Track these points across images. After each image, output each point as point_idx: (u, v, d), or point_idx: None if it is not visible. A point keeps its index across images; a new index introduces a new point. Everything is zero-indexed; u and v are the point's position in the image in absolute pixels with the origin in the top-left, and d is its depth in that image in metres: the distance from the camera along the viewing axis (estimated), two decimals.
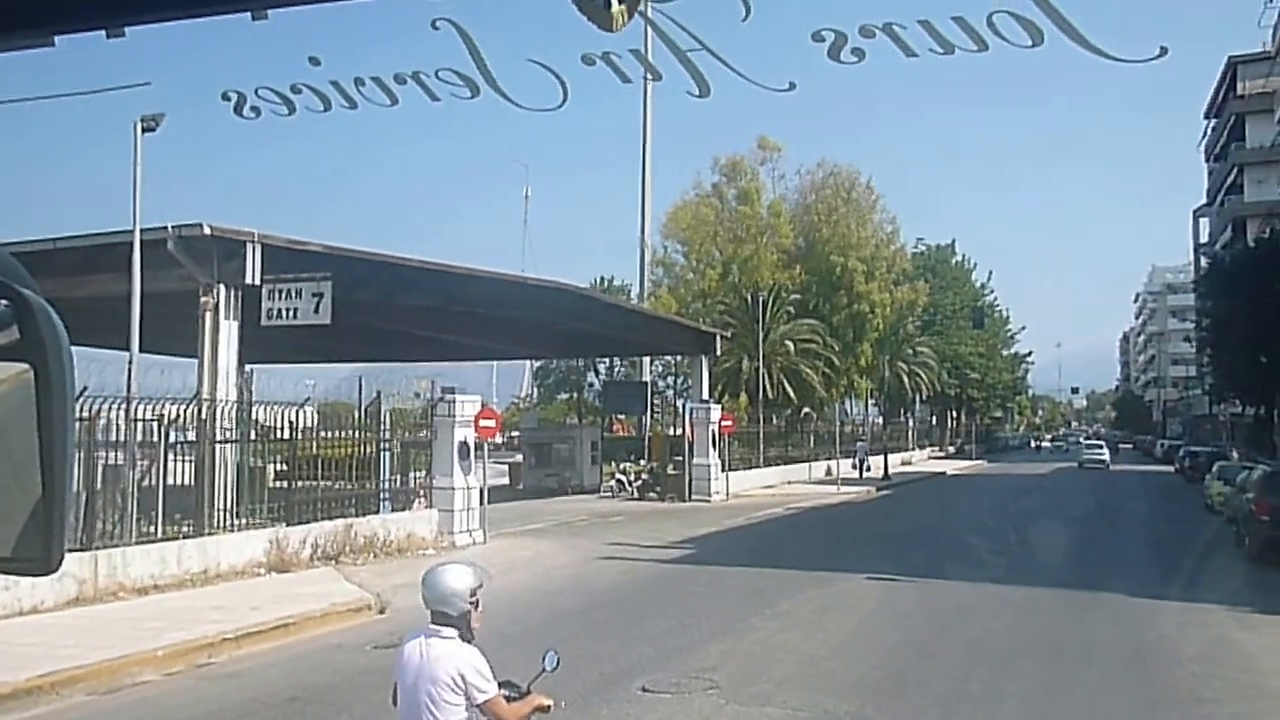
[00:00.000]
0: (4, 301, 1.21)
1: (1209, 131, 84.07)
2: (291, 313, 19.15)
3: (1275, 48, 59.19)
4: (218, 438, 18.38)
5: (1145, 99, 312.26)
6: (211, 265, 19.07)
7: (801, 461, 49.01)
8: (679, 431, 40.41)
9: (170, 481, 17.80)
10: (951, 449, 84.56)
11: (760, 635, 13.57)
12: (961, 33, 11.65)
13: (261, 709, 10.29)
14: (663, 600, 16.65)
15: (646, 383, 50.91)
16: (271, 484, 20.59)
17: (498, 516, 25.17)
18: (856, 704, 10.28)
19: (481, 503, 23.47)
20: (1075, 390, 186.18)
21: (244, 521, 18.52)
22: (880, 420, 68.40)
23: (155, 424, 17.57)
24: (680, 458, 38.12)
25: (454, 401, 23.22)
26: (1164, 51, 11.89)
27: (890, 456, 52.85)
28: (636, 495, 37.64)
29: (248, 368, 23.83)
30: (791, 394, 50.91)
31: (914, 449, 74.42)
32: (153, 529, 16.90)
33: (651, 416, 50.60)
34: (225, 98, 16.71)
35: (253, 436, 20.11)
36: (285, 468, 20.82)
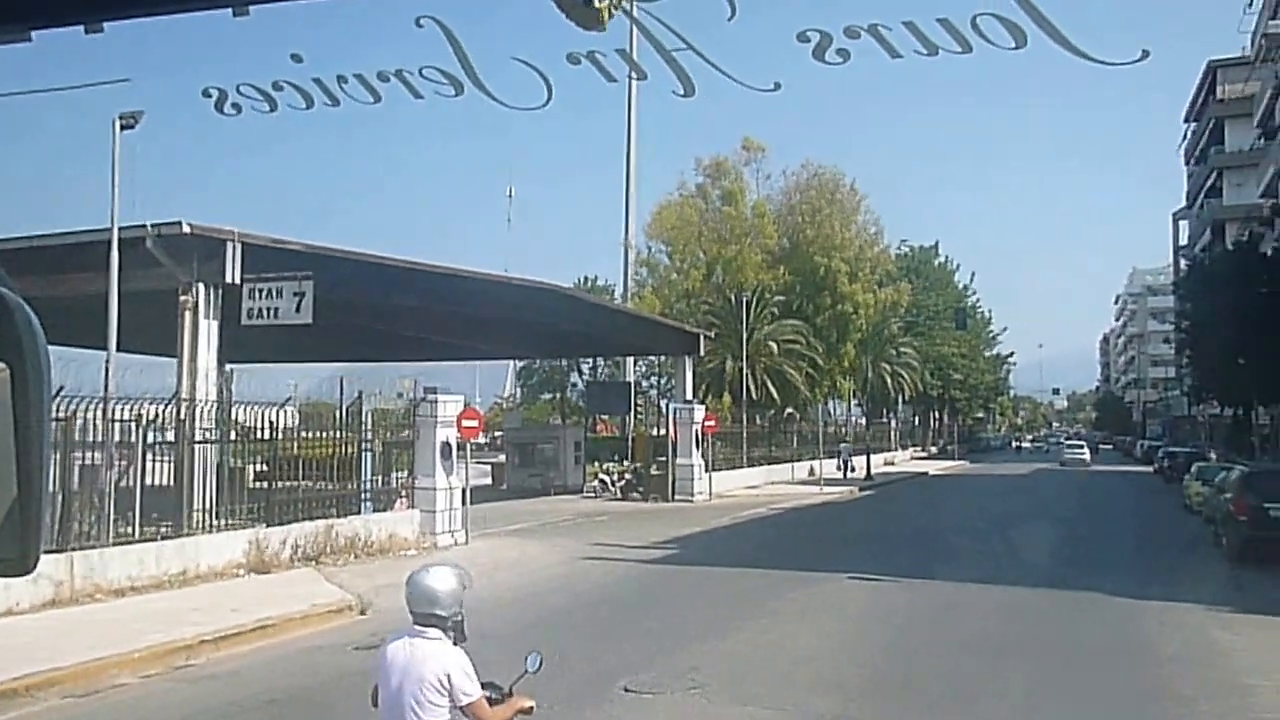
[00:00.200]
0: None
1: (1189, 135, 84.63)
2: (272, 312, 19.04)
3: (1254, 53, 59.53)
4: (197, 438, 18.24)
5: (1127, 102, 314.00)
6: (191, 264, 18.94)
7: (785, 462, 49.08)
8: (663, 432, 40.40)
9: (149, 482, 17.67)
10: (934, 449, 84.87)
11: (745, 635, 13.55)
12: (946, 34, 11.66)
13: (240, 711, 10.21)
14: (647, 600, 16.63)
15: (630, 383, 50.89)
16: (252, 484, 20.46)
17: (480, 517, 25.09)
18: (841, 704, 10.26)
19: (464, 503, 23.39)
20: (1056, 391, 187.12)
21: (223, 522, 18.37)
22: (863, 421, 68.59)
23: (133, 424, 17.44)
24: (664, 458, 38.12)
25: (436, 401, 23.13)
26: (1145, 54, 11.95)
27: (873, 457, 53.00)
28: (620, 495, 37.63)
29: (228, 367, 23.67)
30: (775, 394, 50.96)
31: (897, 449, 74.67)
32: (130, 530, 16.75)
33: (635, 417, 50.57)
34: (206, 94, 16.52)
35: (233, 437, 19.99)
36: (266, 468, 20.69)
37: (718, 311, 50.63)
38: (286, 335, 23.56)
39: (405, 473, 23.50)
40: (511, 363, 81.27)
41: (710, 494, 37.66)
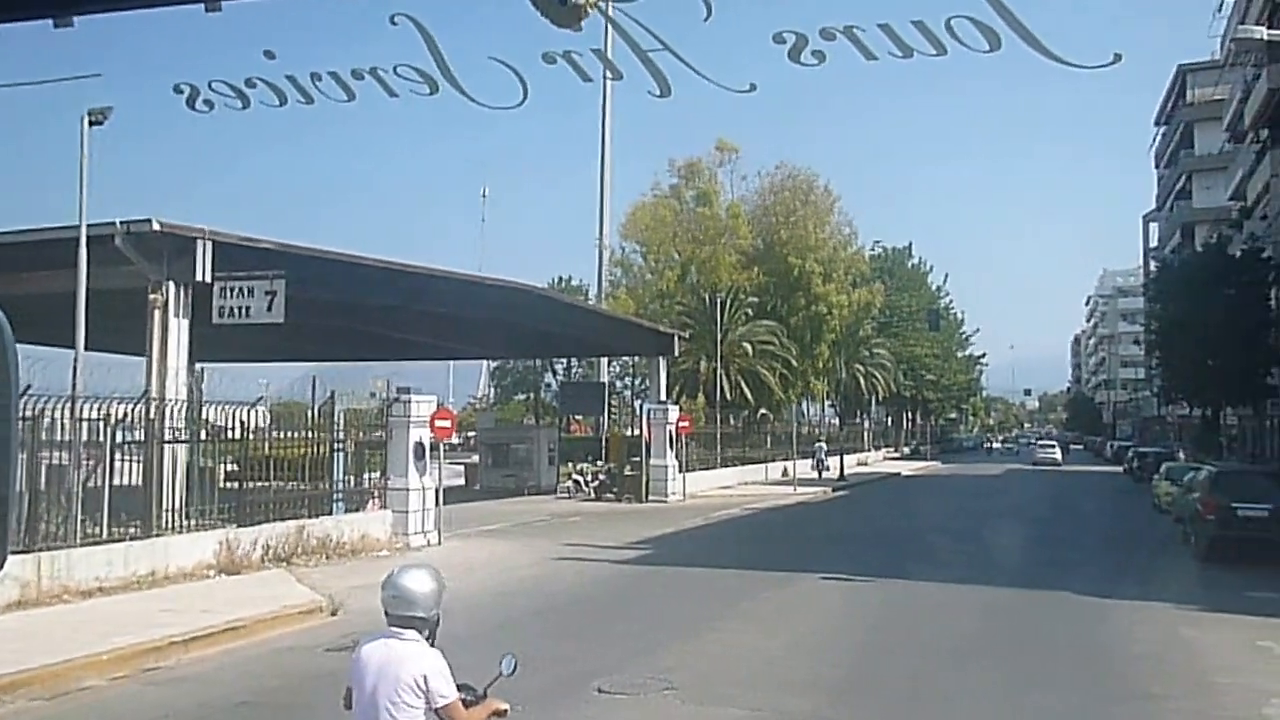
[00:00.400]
0: None
1: (1159, 138, 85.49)
2: (244, 311, 18.90)
3: (1223, 57, 60.14)
4: (166, 437, 18.09)
5: (1099, 106, 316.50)
6: (161, 262, 18.77)
7: (758, 462, 49.17)
8: (636, 432, 40.37)
9: (117, 482, 17.51)
10: (907, 450, 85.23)
11: (719, 636, 13.55)
12: (921, 37, 11.67)
13: (210, 714, 10.13)
14: (620, 601, 16.61)
15: (604, 383, 50.86)
16: (222, 485, 20.31)
17: (454, 517, 24.99)
18: (814, 703, 10.28)
19: (437, 503, 23.29)
20: (1028, 392, 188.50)
21: (193, 523, 18.23)
22: (837, 421, 68.86)
23: (102, 423, 17.26)
24: (638, 458, 38.08)
25: (409, 401, 23.02)
26: (1118, 58, 11.99)
27: (846, 457, 53.17)
28: (594, 496, 37.58)
29: (198, 366, 23.48)
30: (749, 395, 51.10)
31: (870, 450, 74.94)
32: (99, 530, 16.59)
33: (609, 417, 50.55)
34: (178, 90, 16.38)
35: (203, 436, 19.83)
36: (236, 468, 20.54)
37: (692, 312, 50.69)
38: (258, 334, 23.41)
39: (378, 473, 23.39)
40: (485, 363, 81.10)
41: (684, 494, 37.68)
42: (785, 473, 46.98)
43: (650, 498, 36.51)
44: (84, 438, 16.88)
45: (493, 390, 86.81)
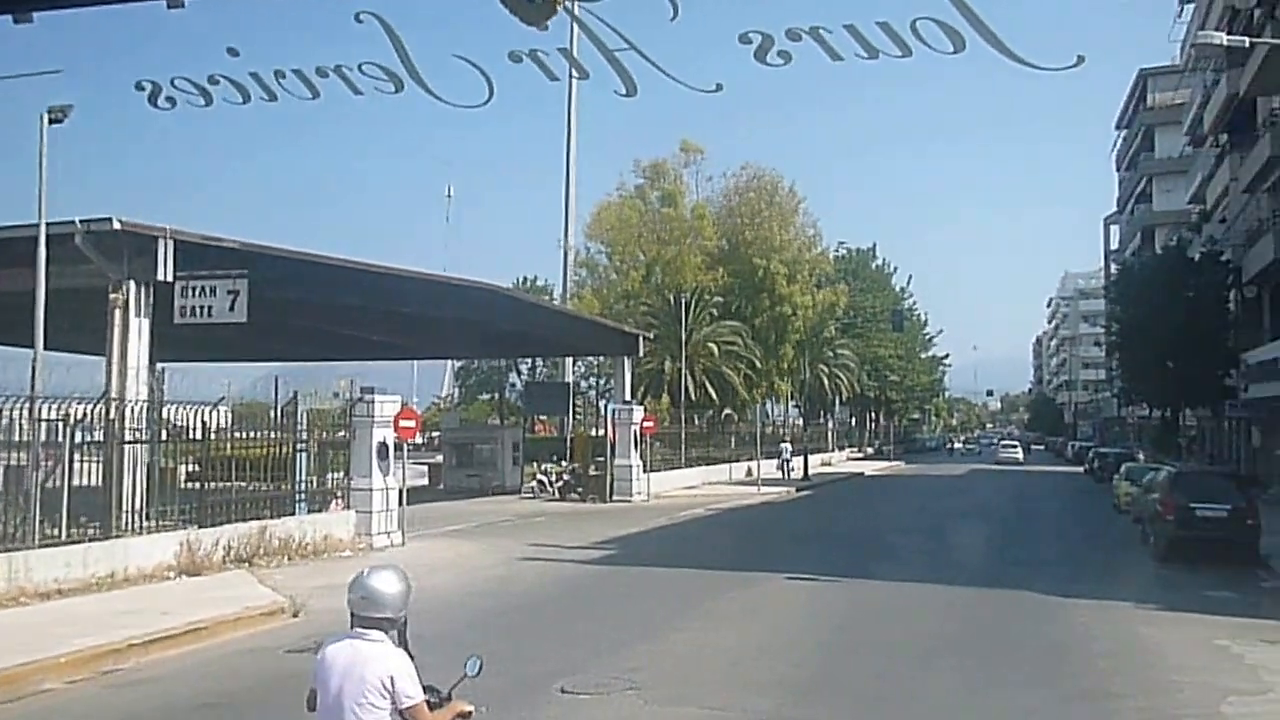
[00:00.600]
0: None
1: (1120, 142, 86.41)
2: (206, 310, 18.71)
3: (1184, 62, 60.94)
4: (126, 438, 17.89)
5: (1061, 108, 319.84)
6: (122, 261, 18.54)
7: (723, 462, 49.29)
8: (601, 432, 40.37)
9: (77, 483, 17.29)
10: (871, 450, 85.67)
11: (683, 636, 13.56)
12: (886, 38, 11.74)
13: (171, 716, 10.02)
14: (584, 601, 16.59)
15: (569, 383, 50.85)
16: (184, 485, 20.12)
17: (418, 517, 24.88)
18: (779, 703, 10.31)
19: (401, 504, 23.19)
20: (990, 393, 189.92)
21: (154, 523, 18.03)
22: (801, 421, 69.08)
23: (61, 424, 17.03)
24: (602, 458, 38.08)
25: (373, 401, 22.90)
26: (1081, 60, 12.12)
27: (810, 458, 53.39)
28: (558, 496, 37.56)
29: (159, 366, 23.27)
30: (714, 395, 51.20)
31: (834, 450, 75.26)
32: (57, 531, 16.36)
33: (574, 417, 50.52)
34: (139, 87, 16.20)
35: (164, 437, 19.61)
36: (198, 469, 20.35)
37: (657, 312, 50.73)
38: (220, 334, 23.20)
39: (341, 473, 23.23)
40: (449, 363, 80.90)
41: (648, 494, 37.71)
42: (749, 473, 47.12)
43: (615, 498, 36.52)
44: (43, 438, 16.66)
45: (457, 390, 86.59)
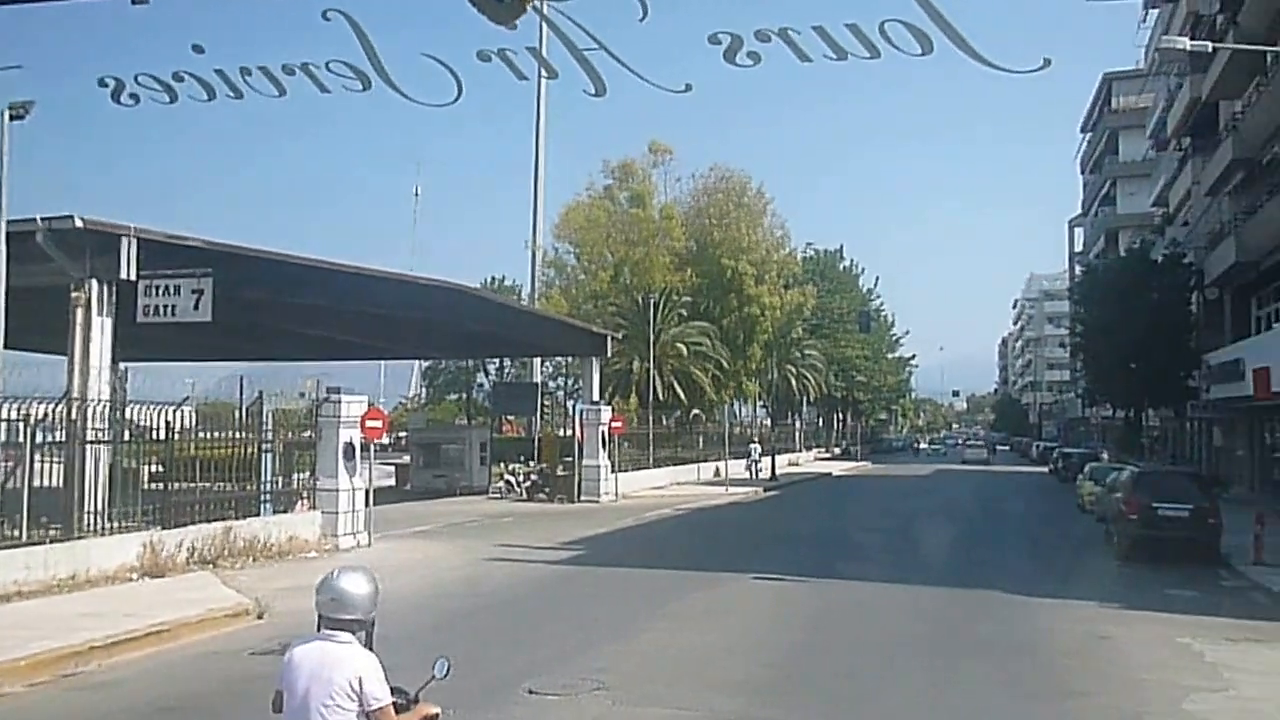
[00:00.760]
0: None
1: (1085, 145, 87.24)
2: (170, 309, 18.52)
3: (1148, 66, 61.57)
4: (89, 438, 17.68)
5: (1028, 111, 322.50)
6: (84, 259, 18.32)
7: (691, 462, 49.36)
8: (569, 432, 40.31)
9: (38, 484, 17.06)
10: (838, 450, 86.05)
11: (650, 636, 13.55)
12: (854, 40, 11.82)
13: None
14: (552, 602, 16.55)
15: (537, 384, 50.77)
16: (147, 486, 19.91)
17: (384, 518, 24.75)
18: (746, 702, 10.32)
19: (367, 504, 23.07)
20: (956, 393, 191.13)
21: (116, 525, 17.83)
22: (768, 422, 69.31)
23: (21, 424, 16.83)
24: (570, 459, 38.04)
25: (339, 401, 22.77)
26: (1047, 63, 12.23)
27: (778, 458, 53.55)
28: (526, 496, 37.49)
29: (122, 366, 22.99)
30: (682, 395, 51.23)
31: (801, 450, 75.53)
32: (17, 533, 16.16)
33: (542, 417, 50.42)
34: (102, 84, 16.03)
35: (126, 437, 19.40)
36: (161, 469, 20.15)
37: (625, 313, 50.72)
38: (184, 333, 22.99)
39: (307, 474, 23.08)
40: (417, 363, 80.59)
41: (616, 495, 37.70)
42: (717, 473, 47.20)
43: (582, 498, 36.49)
44: (3, 438, 16.48)
45: (424, 390, 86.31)
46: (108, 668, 11.66)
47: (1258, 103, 34.05)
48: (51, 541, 16.45)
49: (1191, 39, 29.26)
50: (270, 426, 22.55)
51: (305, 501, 22.50)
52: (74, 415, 17.56)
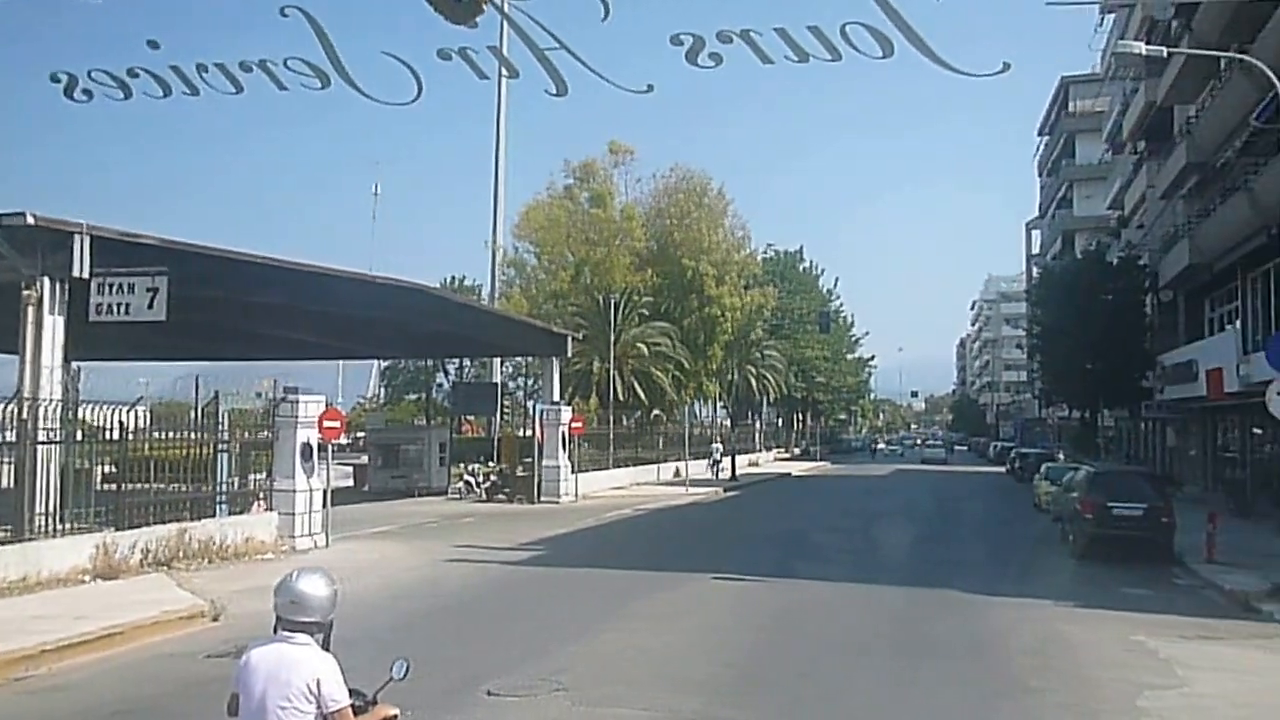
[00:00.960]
0: None
1: (1042, 148, 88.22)
2: (123, 308, 18.25)
3: (1104, 70, 62.32)
4: (40, 438, 17.39)
5: (986, 114, 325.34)
6: (36, 257, 18.00)
7: (651, 463, 49.38)
8: (529, 433, 40.22)
9: None
10: (797, 450, 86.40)
11: (611, 637, 13.52)
12: (816, 42, 11.90)
13: None
14: (512, 603, 16.50)
15: (497, 384, 50.57)
16: (100, 487, 19.64)
17: (342, 519, 24.56)
18: (706, 702, 10.32)
19: (325, 505, 22.89)
20: (915, 394, 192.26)
21: (68, 526, 17.57)
22: (728, 422, 69.50)
23: None
24: (530, 459, 37.95)
25: (297, 402, 22.57)
26: (1006, 67, 12.40)
27: (738, 458, 53.68)
28: (485, 497, 37.35)
29: (75, 365, 22.65)
30: (642, 396, 51.21)
31: (761, 450, 75.77)
32: None
33: (501, 418, 50.26)
34: (54, 79, 15.81)
35: (79, 437, 19.12)
36: (115, 470, 19.89)
37: (585, 313, 50.65)
38: (139, 332, 22.68)
39: (263, 475, 22.87)
40: (376, 362, 80.00)
41: (576, 495, 37.65)
42: (678, 473, 47.25)
43: (542, 499, 36.40)
44: None
45: (383, 390, 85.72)
46: (59, 671, 11.48)
47: (1211, 108, 34.54)
48: (2, 543, 16.20)
49: (1147, 44, 29.64)
50: (226, 427, 22.35)
51: (262, 502, 22.30)
52: (25, 415, 17.27)
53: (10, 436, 17.44)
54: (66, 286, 18.30)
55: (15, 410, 17.37)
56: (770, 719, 10.18)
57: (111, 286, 18.27)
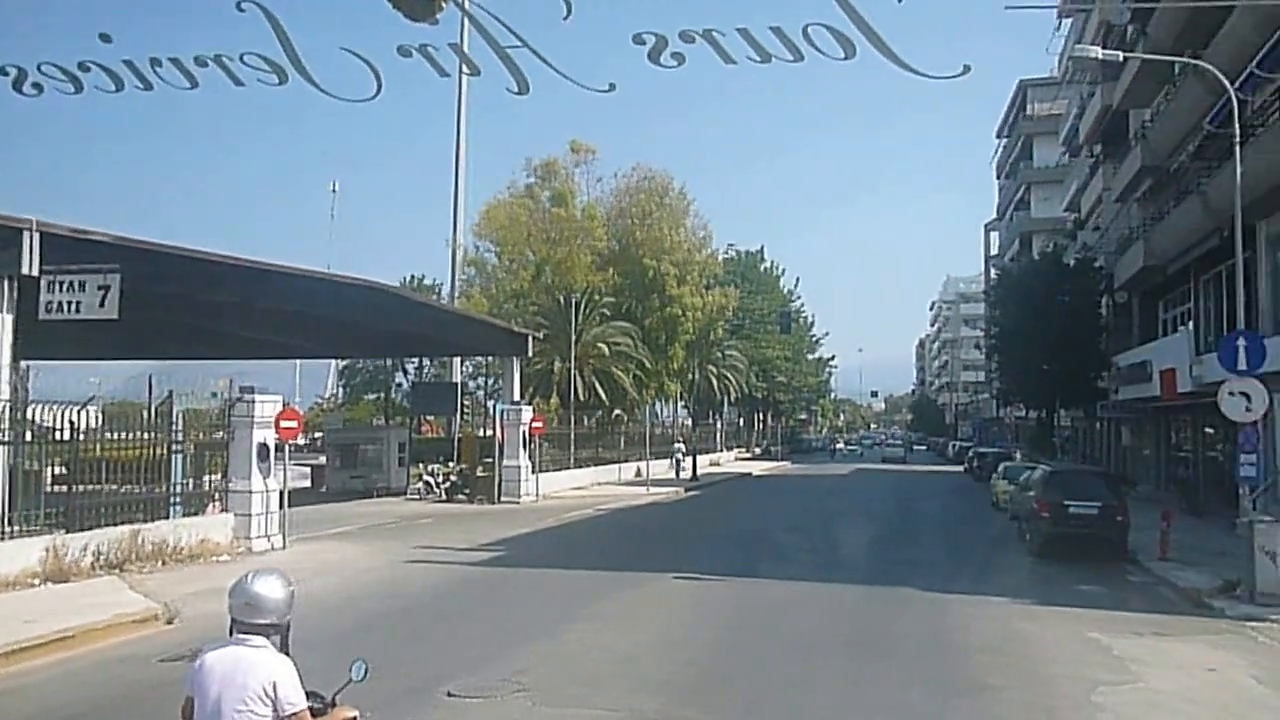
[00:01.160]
0: None
1: (1000, 150, 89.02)
2: (74, 306, 17.92)
3: (1061, 74, 62.96)
4: None
5: (947, 117, 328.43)
6: None
7: (612, 463, 49.34)
8: (489, 433, 40.03)
9: None
10: (758, 450, 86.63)
11: (571, 637, 13.47)
12: (779, 43, 11.90)
13: None
14: (472, 603, 16.39)
15: (457, 384, 50.29)
16: (50, 488, 19.33)
17: (300, 520, 24.34)
18: (667, 702, 10.29)
19: (282, 506, 22.65)
20: (875, 394, 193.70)
21: (17, 528, 17.27)
22: (690, 422, 69.60)
23: None
24: (490, 459, 37.79)
25: (253, 401, 22.34)
26: (967, 69, 12.44)
27: (699, 458, 53.76)
28: (445, 497, 37.16)
29: (24, 364, 22.26)
30: (603, 396, 51.15)
31: (722, 450, 75.92)
32: None
33: (461, 418, 50.02)
34: (3, 73, 15.48)
35: (28, 438, 18.80)
36: (66, 471, 19.57)
37: (546, 312, 50.50)
38: (91, 331, 22.34)
39: (219, 475, 22.60)
40: (334, 362, 79.45)
41: (537, 495, 37.54)
42: (639, 473, 47.24)
43: (503, 499, 36.27)
44: None
45: (341, 390, 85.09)
46: (9, 675, 11.28)
47: (1165, 112, 34.96)
48: None
49: (1103, 48, 29.94)
50: (181, 427, 22.06)
51: (217, 504, 22.05)
52: None
53: None
54: (15, 284, 17.97)
55: None
56: (731, 717, 10.18)
57: (62, 284, 17.93)
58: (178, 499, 21.32)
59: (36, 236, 17.59)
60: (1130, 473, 42.21)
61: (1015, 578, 19.45)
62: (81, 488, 19.18)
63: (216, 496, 22.20)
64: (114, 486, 20.26)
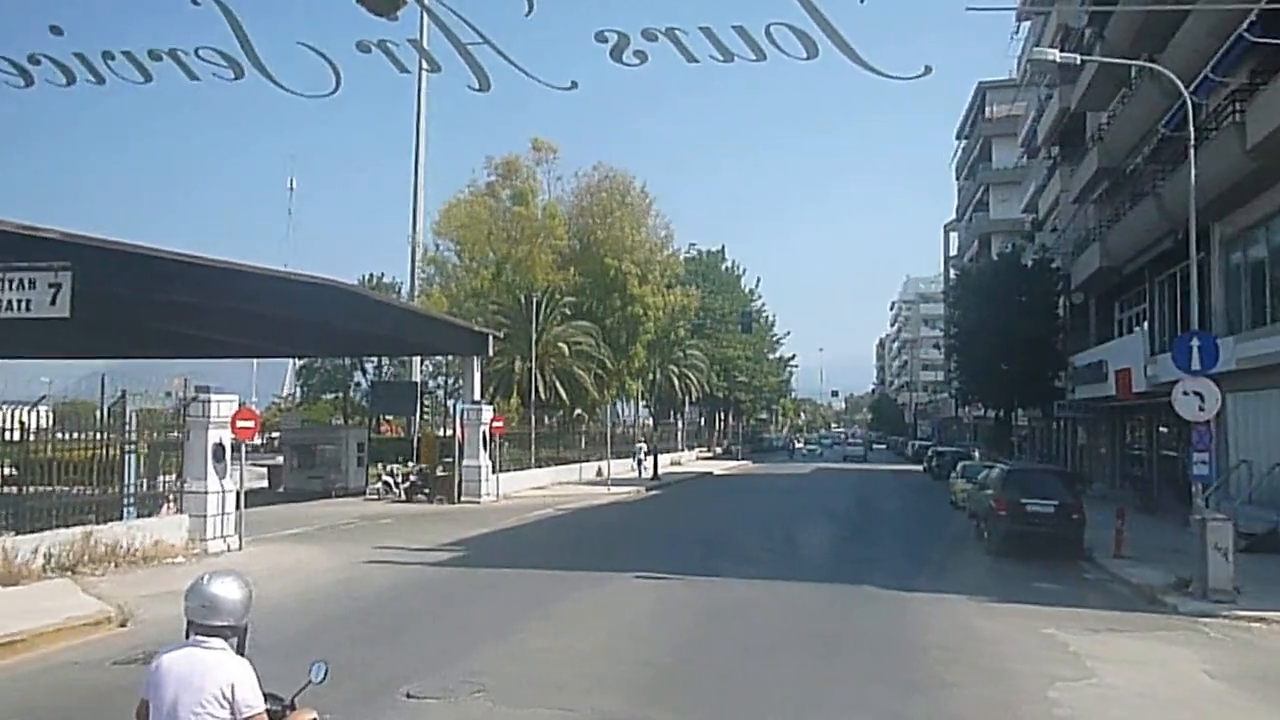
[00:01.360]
0: None
1: (960, 151, 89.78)
2: (24, 304, 17.60)
3: (1019, 76, 63.59)
4: None
5: (908, 118, 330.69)
6: None
7: (573, 463, 49.29)
8: (449, 432, 39.84)
9: None
10: (719, 449, 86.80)
11: (531, 637, 13.41)
12: (741, 42, 11.90)
13: None
14: (432, 604, 16.28)
15: (417, 383, 50.01)
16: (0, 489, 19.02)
17: (256, 521, 24.09)
18: (628, 701, 10.27)
19: (238, 507, 22.40)
20: (836, 393, 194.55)
21: None
22: (651, 421, 69.60)
23: None
24: (450, 459, 37.62)
25: (209, 401, 22.07)
26: (928, 70, 12.50)
27: (660, 457, 53.80)
28: (404, 497, 36.92)
29: None
30: (564, 395, 51.05)
31: (683, 449, 76.06)
32: None
33: (421, 417, 49.73)
34: None
35: None
36: (16, 472, 19.26)
37: (507, 311, 50.33)
38: (41, 330, 21.96)
39: (174, 476, 22.31)
40: (291, 361, 78.76)
41: (498, 495, 37.41)
42: (600, 473, 47.19)
43: (463, 499, 36.11)
44: None
45: (299, 389, 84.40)
46: None
47: (1122, 115, 35.39)
48: None
49: (1061, 51, 30.27)
50: (134, 427, 21.76)
51: (172, 505, 21.76)
52: None
53: None
54: None
55: None
56: (691, 717, 10.17)
57: (11, 282, 17.60)
58: (131, 500, 21.03)
59: None
60: (1086, 471, 42.72)
61: (973, 575, 19.62)
62: (32, 489, 18.91)
63: (171, 497, 21.90)
64: (66, 488, 19.95)
